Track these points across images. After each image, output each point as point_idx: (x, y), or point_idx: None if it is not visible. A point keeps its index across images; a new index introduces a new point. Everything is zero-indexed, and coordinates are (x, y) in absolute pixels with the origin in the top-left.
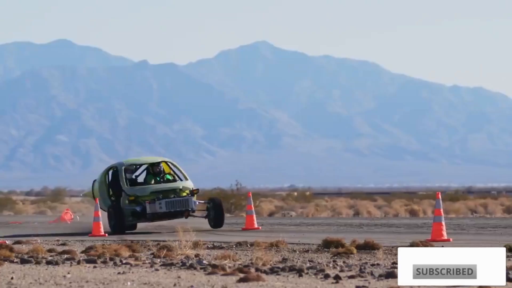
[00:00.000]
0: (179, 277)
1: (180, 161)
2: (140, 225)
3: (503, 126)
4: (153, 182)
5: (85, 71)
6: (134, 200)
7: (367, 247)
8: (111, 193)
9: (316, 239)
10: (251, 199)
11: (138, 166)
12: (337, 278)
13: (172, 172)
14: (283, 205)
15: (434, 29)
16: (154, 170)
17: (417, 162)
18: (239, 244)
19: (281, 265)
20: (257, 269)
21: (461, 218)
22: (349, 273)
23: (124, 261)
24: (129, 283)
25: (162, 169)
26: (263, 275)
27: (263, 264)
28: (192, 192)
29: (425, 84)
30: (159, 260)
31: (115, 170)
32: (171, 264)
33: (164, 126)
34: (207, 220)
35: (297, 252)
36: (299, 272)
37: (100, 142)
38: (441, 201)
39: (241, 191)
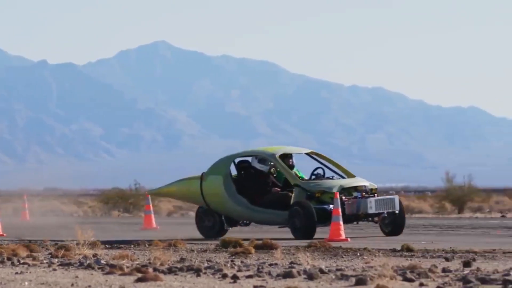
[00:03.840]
0: (76, 277)
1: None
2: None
3: (401, 126)
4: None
5: None
6: (316, 197)
7: (265, 247)
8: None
9: (215, 239)
10: (150, 199)
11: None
12: (235, 278)
13: (322, 166)
14: (181, 205)
15: (332, 28)
16: (286, 163)
17: (314, 162)
18: (137, 244)
19: (179, 265)
20: (155, 269)
21: None
22: (247, 273)
23: (21, 261)
24: (26, 283)
25: (294, 163)
26: (161, 275)
27: (161, 264)
28: (372, 192)
29: (324, 84)
30: (57, 260)
31: (242, 160)
32: (69, 264)
33: (63, 126)
34: (379, 225)
35: (195, 252)
36: (197, 272)
37: None
38: (339, 201)
39: (140, 191)
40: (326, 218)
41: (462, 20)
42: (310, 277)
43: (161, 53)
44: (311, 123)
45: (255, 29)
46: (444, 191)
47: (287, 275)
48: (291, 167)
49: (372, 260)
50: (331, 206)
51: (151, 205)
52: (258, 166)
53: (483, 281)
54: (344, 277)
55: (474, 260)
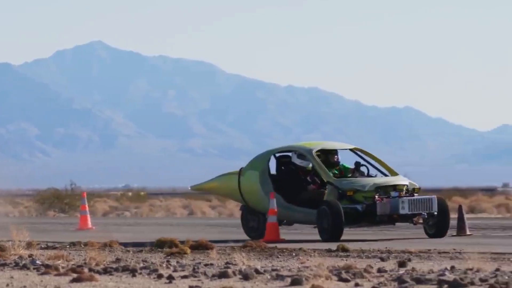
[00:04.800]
0: (12, 277)
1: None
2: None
3: (337, 126)
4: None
5: None
6: (349, 196)
7: (201, 247)
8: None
9: (151, 239)
10: (86, 199)
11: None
12: (170, 278)
13: (365, 164)
14: (117, 205)
15: (268, 28)
16: (329, 160)
17: None
18: (72, 244)
19: (114, 265)
20: (90, 269)
21: None
22: (183, 273)
23: None
24: None
25: (339, 160)
26: (97, 275)
27: (97, 264)
28: (414, 192)
29: (260, 84)
30: None
31: (281, 156)
32: (4, 265)
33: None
34: (423, 227)
35: (131, 252)
36: (133, 272)
37: None
38: (275, 201)
39: (76, 191)
40: (356, 218)
41: (396, 20)
42: (246, 277)
43: (98, 53)
44: (247, 123)
45: (191, 29)
46: None
47: (223, 275)
48: (336, 164)
49: (308, 260)
50: (363, 206)
51: (86, 206)
52: (298, 162)
53: (418, 281)
54: (280, 277)
55: (409, 260)
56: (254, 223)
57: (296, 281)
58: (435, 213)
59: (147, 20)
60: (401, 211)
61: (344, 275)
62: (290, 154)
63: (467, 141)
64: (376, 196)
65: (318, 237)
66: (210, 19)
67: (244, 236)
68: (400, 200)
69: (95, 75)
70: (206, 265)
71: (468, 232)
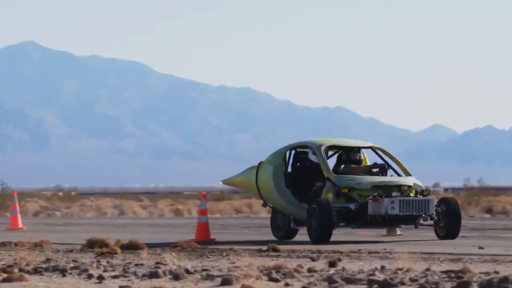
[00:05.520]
0: None
1: None
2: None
3: (269, 126)
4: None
5: None
6: (345, 194)
7: (132, 247)
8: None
9: (81, 239)
10: (16, 199)
11: (336, 151)
12: (100, 278)
13: (383, 163)
14: (48, 205)
15: (200, 28)
16: (351, 158)
17: (183, 162)
18: (3, 244)
19: (44, 265)
20: (20, 269)
21: (226, 218)
22: (113, 273)
23: None
24: None
25: (362, 159)
26: (27, 275)
27: (27, 264)
28: (423, 194)
29: (192, 84)
30: None
31: (297, 151)
32: None
33: None
34: (434, 229)
35: (61, 252)
36: (63, 272)
37: None
38: (205, 201)
39: (6, 191)
40: (350, 218)
41: (325, 20)
42: (176, 277)
43: (29, 53)
44: (179, 123)
45: (124, 29)
46: None
47: (153, 275)
48: (358, 162)
49: (238, 260)
50: (352, 205)
51: (17, 205)
52: (313, 158)
53: (348, 281)
54: (210, 277)
55: (339, 260)
56: (281, 222)
57: (226, 281)
58: (430, 215)
59: (80, 20)
60: (391, 212)
61: (274, 275)
62: (308, 150)
63: (399, 141)
64: (368, 196)
65: (248, 238)
66: (143, 19)
67: (175, 236)
68: (390, 199)
69: (27, 75)
70: (136, 265)
71: (398, 232)
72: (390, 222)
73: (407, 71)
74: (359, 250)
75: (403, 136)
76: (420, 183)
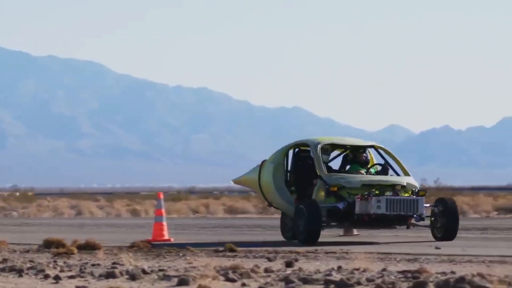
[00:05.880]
0: None
1: None
2: None
3: (225, 126)
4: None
5: None
6: (335, 192)
7: (88, 247)
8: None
9: (38, 240)
10: None
11: (343, 150)
12: (57, 278)
13: (384, 162)
14: (4, 205)
15: (157, 29)
16: (357, 158)
17: (140, 162)
18: None
19: (1, 266)
20: None
21: (183, 218)
22: (69, 273)
23: None
24: None
25: (368, 159)
26: None
27: None
28: (418, 194)
29: (148, 84)
30: None
31: (300, 149)
32: None
33: None
34: (430, 230)
35: (18, 252)
36: (19, 272)
37: None
38: (162, 201)
39: None
40: (339, 217)
41: (283, 20)
42: (133, 277)
43: None
44: (136, 123)
45: (81, 29)
46: None
47: (110, 275)
48: (365, 162)
49: (195, 260)
50: (341, 204)
51: None
52: (319, 153)
53: (305, 281)
54: (166, 277)
55: (296, 260)
56: (290, 223)
57: (183, 281)
58: (419, 215)
59: (37, 20)
60: (377, 211)
61: (231, 275)
62: (310, 149)
63: None
64: (357, 195)
65: (205, 238)
66: (100, 20)
67: (132, 236)
68: (375, 198)
69: None
70: (93, 265)
71: (355, 232)
72: (378, 222)
73: (363, 71)
74: (316, 250)
75: (360, 136)
76: (415, 183)
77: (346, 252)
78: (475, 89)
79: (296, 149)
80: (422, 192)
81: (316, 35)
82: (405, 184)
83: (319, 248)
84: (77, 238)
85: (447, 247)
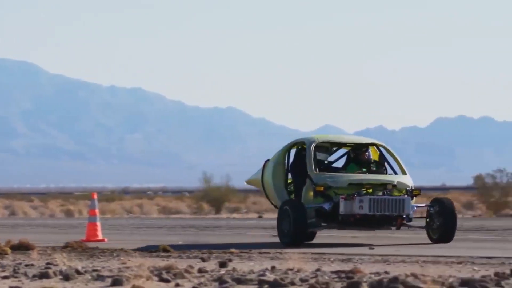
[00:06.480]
0: None
1: None
2: None
3: (159, 126)
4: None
5: None
6: (322, 192)
7: (22, 247)
8: (289, 181)
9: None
10: None
11: (335, 148)
12: None
13: (383, 161)
14: None
15: (91, 28)
16: (359, 157)
17: (74, 162)
18: None
19: None
20: None
21: (117, 219)
22: (3, 274)
23: None
24: None
25: (370, 157)
26: None
27: None
28: (411, 193)
29: (82, 84)
30: None
31: (300, 148)
32: None
33: None
34: (426, 231)
35: None
36: None
37: None
38: (96, 202)
39: None
40: (326, 218)
41: (216, 19)
42: (66, 277)
43: None
44: (69, 123)
45: (14, 29)
46: (202, 191)
47: (43, 275)
48: (367, 161)
49: (129, 260)
50: (327, 204)
51: None
52: (316, 154)
53: (239, 281)
54: (100, 277)
55: (230, 260)
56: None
57: (116, 281)
58: (405, 216)
59: None
60: (359, 211)
61: (165, 276)
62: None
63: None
64: (341, 195)
65: (139, 238)
66: (33, 19)
67: (66, 237)
68: (358, 198)
69: None
70: (27, 265)
71: None
72: (364, 223)
73: (298, 71)
74: (250, 250)
75: (294, 136)
76: (408, 182)
77: (280, 252)
78: (409, 90)
79: (298, 148)
80: (416, 191)
81: (249, 35)
82: (395, 183)
83: (253, 248)
84: (10, 238)
85: (380, 247)
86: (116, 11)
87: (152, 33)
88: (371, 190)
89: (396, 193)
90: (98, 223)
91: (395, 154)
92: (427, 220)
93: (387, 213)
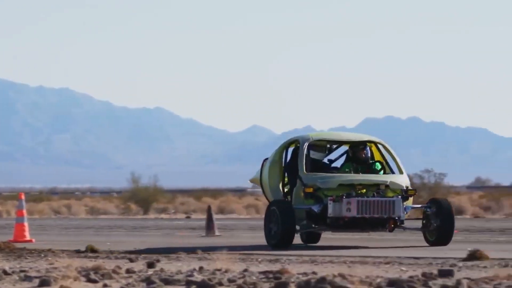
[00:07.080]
0: None
1: None
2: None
3: (87, 127)
4: (352, 172)
5: None
6: (312, 194)
7: None
8: (285, 180)
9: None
10: None
11: (333, 146)
12: None
13: (383, 160)
14: None
15: (17, 28)
16: (357, 155)
17: (1, 163)
18: None
19: None
20: None
21: (45, 219)
22: None
23: None
24: None
25: (368, 155)
26: None
27: None
28: (407, 193)
29: (9, 85)
30: None
31: (297, 146)
32: None
33: None
34: (422, 233)
35: None
36: None
37: None
38: (24, 202)
39: None
40: (316, 220)
41: (144, 20)
42: None
43: None
44: None
45: None
46: (130, 192)
47: None
48: (365, 159)
49: (57, 261)
50: (316, 206)
51: None
52: (310, 153)
53: (167, 281)
54: (28, 278)
55: (158, 261)
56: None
57: (44, 282)
58: (397, 218)
59: None
60: (346, 214)
61: (92, 276)
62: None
63: (218, 142)
64: (330, 196)
65: (67, 238)
66: None
67: None
68: (345, 200)
69: None
70: None
71: (217, 233)
72: (354, 225)
73: (224, 72)
74: (177, 251)
75: (222, 137)
76: (402, 182)
77: (208, 253)
78: (337, 90)
79: (296, 146)
80: (411, 191)
81: (177, 36)
82: (388, 183)
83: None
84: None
85: (312, 249)
86: (44, 11)
87: (80, 33)
88: (364, 190)
89: (389, 194)
90: (26, 224)
91: (393, 152)
92: (424, 221)
93: (376, 215)
